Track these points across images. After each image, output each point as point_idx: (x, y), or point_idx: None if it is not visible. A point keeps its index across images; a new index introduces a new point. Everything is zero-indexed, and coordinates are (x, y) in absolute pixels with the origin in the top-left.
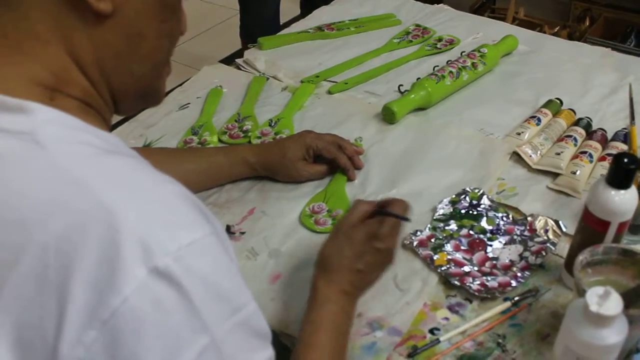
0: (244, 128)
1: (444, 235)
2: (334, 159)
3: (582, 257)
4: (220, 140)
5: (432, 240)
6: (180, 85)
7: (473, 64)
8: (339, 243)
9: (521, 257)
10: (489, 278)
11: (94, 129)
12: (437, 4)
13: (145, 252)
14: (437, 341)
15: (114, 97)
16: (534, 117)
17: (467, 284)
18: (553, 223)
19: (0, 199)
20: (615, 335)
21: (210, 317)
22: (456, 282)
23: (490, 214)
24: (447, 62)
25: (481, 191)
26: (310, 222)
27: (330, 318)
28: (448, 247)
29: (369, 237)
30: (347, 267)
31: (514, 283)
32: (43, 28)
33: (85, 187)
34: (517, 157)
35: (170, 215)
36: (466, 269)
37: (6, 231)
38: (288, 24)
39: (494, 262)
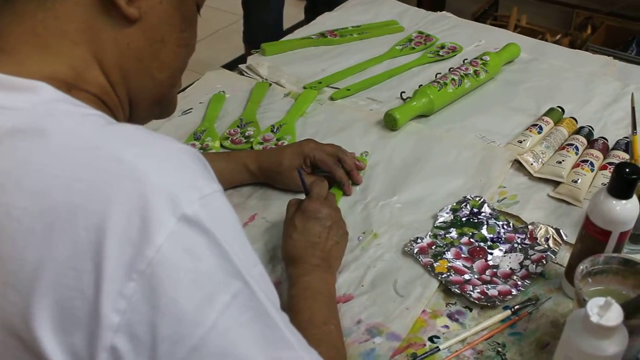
0: (246, 134)
1: (445, 242)
2: (329, 172)
3: (582, 267)
4: (222, 146)
5: (433, 247)
6: (183, 90)
7: (475, 71)
8: (285, 238)
9: (521, 265)
10: (489, 286)
11: (98, 110)
12: (440, 11)
13: (172, 201)
14: (437, 349)
15: (131, 100)
16: (536, 125)
17: (467, 292)
18: (554, 231)
19: (23, 172)
20: (615, 346)
21: (240, 262)
22: (456, 290)
23: (491, 222)
24: (450, 69)
25: (482, 199)
26: None
27: (307, 286)
28: (448, 255)
29: (301, 215)
30: (302, 247)
31: (514, 291)
32: (72, 28)
33: (104, 148)
34: (518, 165)
35: (187, 168)
36: (466, 276)
37: (33, 201)
38: (291, 29)
39: (495, 270)
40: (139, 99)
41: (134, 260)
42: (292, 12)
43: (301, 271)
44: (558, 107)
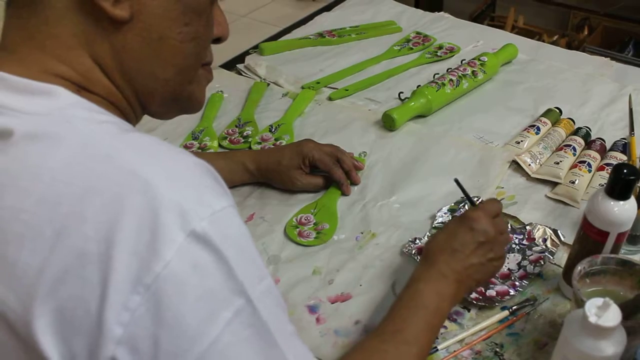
0: (245, 133)
1: None
2: (328, 172)
3: (580, 267)
4: (220, 146)
5: None
6: None
7: (473, 72)
8: (434, 233)
9: (519, 266)
10: (487, 286)
11: (113, 115)
12: (438, 11)
13: (182, 217)
14: (435, 349)
15: (141, 100)
16: (533, 126)
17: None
18: (551, 232)
19: (35, 177)
20: (613, 347)
21: (245, 279)
22: None
23: None
24: (447, 70)
25: (480, 200)
26: (293, 233)
27: (417, 295)
28: None
29: (459, 219)
30: (440, 248)
31: (512, 292)
32: (65, 33)
33: (117, 160)
34: (516, 165)
35: (198, 183)
36: None
37: (43, 206)
38: (289, 29)
39: None
40: (148, 99)
41: (141, 273)
42: (290, 12)
43: (423, 275)
44: (556, 108)
